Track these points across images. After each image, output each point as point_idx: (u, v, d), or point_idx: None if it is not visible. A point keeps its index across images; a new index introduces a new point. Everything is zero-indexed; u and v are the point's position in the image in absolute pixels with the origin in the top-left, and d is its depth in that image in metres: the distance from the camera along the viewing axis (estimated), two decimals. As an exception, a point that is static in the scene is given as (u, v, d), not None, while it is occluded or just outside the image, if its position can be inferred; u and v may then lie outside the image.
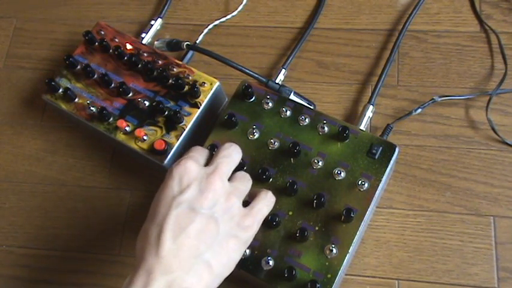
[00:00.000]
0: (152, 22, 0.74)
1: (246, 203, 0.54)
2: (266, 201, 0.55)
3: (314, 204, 0.59)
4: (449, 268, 0.62)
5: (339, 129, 0.61)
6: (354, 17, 0.75)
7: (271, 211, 0.59)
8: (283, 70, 0.70)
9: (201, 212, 0.49)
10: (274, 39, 0.75)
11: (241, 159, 0.60)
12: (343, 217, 0.58)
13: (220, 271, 0.50)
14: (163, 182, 0.52)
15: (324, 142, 0.62)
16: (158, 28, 0.75)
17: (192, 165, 0.52)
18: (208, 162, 0.55)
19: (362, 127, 0.65)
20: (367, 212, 0.58)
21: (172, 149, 0.64)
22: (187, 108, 0.65)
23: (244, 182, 0.55)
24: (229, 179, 0.54)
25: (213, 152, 0.57)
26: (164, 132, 0.65)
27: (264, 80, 0.67)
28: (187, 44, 0.71)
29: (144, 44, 0.70)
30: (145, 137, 0.64)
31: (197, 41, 0.74)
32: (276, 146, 0.62)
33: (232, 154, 0.55)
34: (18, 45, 0.80)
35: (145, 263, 0.47)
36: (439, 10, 0.74)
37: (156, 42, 0.73)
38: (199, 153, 0.55)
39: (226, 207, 0.51)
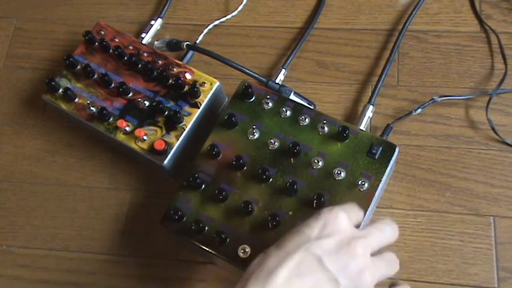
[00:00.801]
0: (152, 22, 0.74)
1: None
2: None
3: (314, 204, 0.59)
4: (449, 268, 0.62)
5: (339, 129, 0.61)
6: (354, 17, 0.75)
7: (271, 211, 0.59)
8: (283, 70, 0.70)
9: (326, 269, 0.45)
10: (274, 39, 0.75)
11: (242, 158, 0.61)
12: (343, 217, 0.58)
13: None
14: (309, 218, 0.49)
15: (324, 142, 0.62)
16: (158, 28, 0.75)
17: (344, 218, 0.48)
18: (357, 226, 0.51)
19: (362, 127, 0.65)
20: (367, 212, 0.58)
21: (172, 149, 0.64)
22: (187, 108, 0.65)
23: (390, 265, 0.50)
24: (375, 255, 0.49)
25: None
26: (164, 132, 0.65)
27: (264, 80, 0.67)
28: (187, 44, 0.71)
29: (144, 44, 0.70)
30: (145, 137, 0.64)
31: (197, 41, 0.74)
32: (276, 146, 0.62)
33: (387, 231, 0.51)
34: (18, 45, 0.80)
35: (249, 287, 0.45)
36: (439, 10, 0.74)
37: (156, 42, 0.73)
38: (355, 212, 0.52)
39: (355, 278, 0.46)
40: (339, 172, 0.60)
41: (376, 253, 0.49)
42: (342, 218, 0.48)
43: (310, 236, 0.47)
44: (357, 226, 0.51)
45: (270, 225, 0.59)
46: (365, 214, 0.58)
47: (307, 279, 0.45)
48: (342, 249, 0.46)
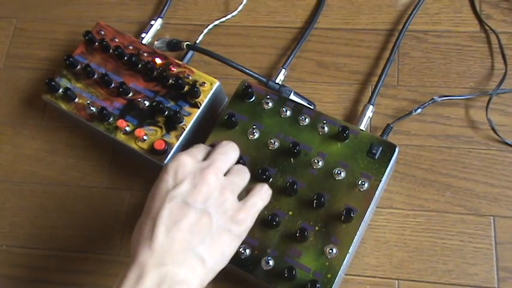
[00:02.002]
0: (152, 22, 0.74)
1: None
2: (261, 195, 0.55)
3: (314, 204, 0.59)
4: (449, 268, 0.62)
5: (339, 129, 0.61)
6: (354, 17, 0.75)
7: (271, 211, 0.59)
8: (283, 70, 0.70)
9: (194, 206, 0.49)
10: (274, 39, 0.75)
11: (242, 158, 0.61)
12: (343, 217, 0.58)
13: (213, 265, 0.50)
14: (158, 177, 0.52)
15: (324, 142, 0.62)
16: (158, 28, 0.75)
17: (187, 160, 0.52)
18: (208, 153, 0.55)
19: (362, 127, 0.65)
20: (367, 212, 0.58)
21: (172, 149, 0.64)
22: (187, 108, 0.65)
23: (241, 175, 0.55)
24: (226, 174, 0.54)
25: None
26: (164, 132, 0.65)
27: (264, 80, 0.67)
28: (187, 44, 0.71)
29: (144, 44, 0.70)
30: (145, 137, 0.64)
31: (197, 41, 0.74)
32: (276, 146, 0.62)
33: (228, 152, 0.55)
34: (18, 45, 0.80)
35: (138, 257, 0.48)
36: (439, 10, 0.74)
37: (156, 42, 0.73)
38: (198, 150, 0.55)
39: (220, 201, 0.51)
40: (339, 172, 0.60)
41: (228, 171, 0.54)
42: (185, 160, 0.52)
43: (168, 188, 0.50)
44: (205, 158, 0.54)
45: (270, 225, 0.59)
46: (365, 213, 0.58)
47: (183, 223, 0.49)
48: (198, 184, 0.50)
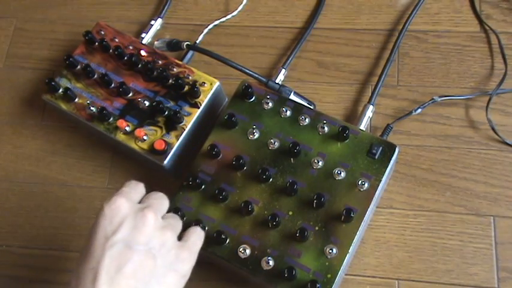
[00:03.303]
0: (152, 22, 0.74)
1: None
2: (197, 235, 0.54)
3: (314, 204, 0.59)
4: (449, 268, 0.62)
5: (339, 129, 0.61)
6: (354, 17, 0.75)
7: (271, 211, 0.59)
8: (283, 70, 0.70)
9: (137, 249, 0.48)
10: (274, 39, 0.75)
11: (242, 158, 0.61)
12: (343, 217, 0.58)
13: None
14: (95, 220, 0.50)
15: (324, 142, 0.62)
16: (158, 28, 0.75)
17: (123, 203, 0.49)
18: (141, 199, 0.53)
19: (362, 127, 0.65)
20: (367, 212, 0.58)
21: (172, 149, 0.64)
22: (187, 108, 0.65)
23: (176, 219, 0.54)
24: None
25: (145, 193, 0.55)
26: (164, 132, 0.65)
27: (264, 80, 0.67)
28: (187, 44, 0.71)
29: (144, 44, 0.70)
30: (145, 137, 0.64)
31: (197, 41, 0.74)
32: (276, 146, 0.62)
33: (162, 198, 0.54)
34: (18, 45, 0.80)
35: None
36: (439, 10, 0.74)
37: (156, 42, 0.73)
38: (134, 189, 0.53)
39: (162, 241, 0.50)
40: (339, 172, 0.60)
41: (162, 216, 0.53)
42: (121, 204, 0.49)
43: (107, 235, 0.48)
44: (143, 196, 0.53)
45: (270, 225, 0.59)
46: (365, 213, 0.58)
47: (127, 269, 0.47)
48: (139, 225, 0.49)
